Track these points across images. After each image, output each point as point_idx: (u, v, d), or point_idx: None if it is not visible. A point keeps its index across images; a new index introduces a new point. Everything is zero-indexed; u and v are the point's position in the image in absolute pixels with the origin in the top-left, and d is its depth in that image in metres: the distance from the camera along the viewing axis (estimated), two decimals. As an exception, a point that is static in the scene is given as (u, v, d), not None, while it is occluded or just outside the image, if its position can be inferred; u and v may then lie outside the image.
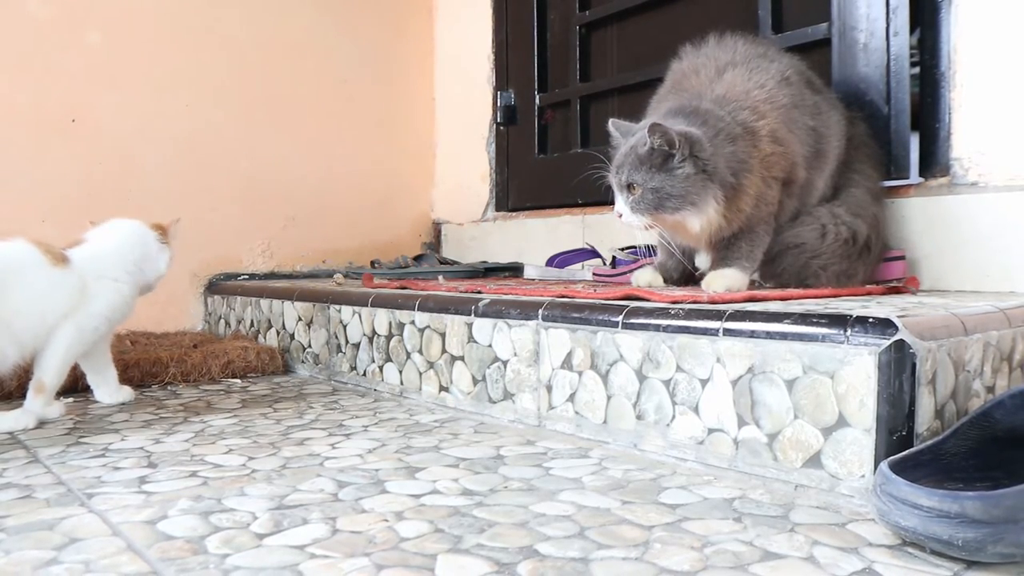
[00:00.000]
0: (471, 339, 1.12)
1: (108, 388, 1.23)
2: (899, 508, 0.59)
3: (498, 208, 2.07)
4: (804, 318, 0.77)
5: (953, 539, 0.57)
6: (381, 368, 1.30)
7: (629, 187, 1.04)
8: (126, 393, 1.24)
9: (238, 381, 1.43)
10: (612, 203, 1.07)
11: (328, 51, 2.05)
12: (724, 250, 1.10)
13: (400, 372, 1.26)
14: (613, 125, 1.12)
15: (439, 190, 2.25)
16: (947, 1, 1.20)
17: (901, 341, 0.70)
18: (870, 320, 0.72)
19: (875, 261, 1.18)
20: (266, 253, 1.97)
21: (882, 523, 0.62)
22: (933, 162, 1.22)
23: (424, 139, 2.24)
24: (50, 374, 1.09)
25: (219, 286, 1.85)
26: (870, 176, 1.21)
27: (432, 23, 2.25)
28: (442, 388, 1.18)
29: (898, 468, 0.62)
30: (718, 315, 0.84)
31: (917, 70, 1.24)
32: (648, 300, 0.97)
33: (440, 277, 1.61)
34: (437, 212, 2.25)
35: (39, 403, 1.10)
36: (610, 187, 1.08)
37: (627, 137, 1.08)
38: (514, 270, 1.75)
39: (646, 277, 1.18)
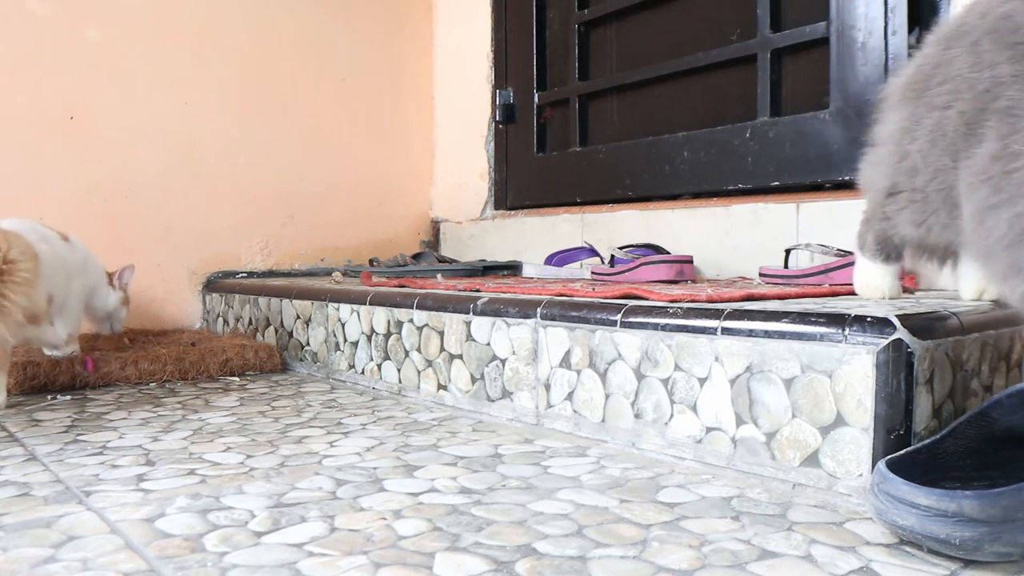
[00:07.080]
0: (469, 337, 1.12)
1: None
2: (896, 507, 0.59)
3: (497, 207, 2.07)
4: (802, 317, 0.77)
5: (950, 538, 0.57)
6: (379, 366, 1.30)
7: None
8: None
9: (236, 379, 1.43)
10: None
11: (327, 49, 2.05)
12: None
13: (398, 370, 1.26)
14: None
15: (438, 188, 2.25)
16: (946, 0, 1.20)
17: (899, 340, 0.71)
18: (868, 319, 0.73)
19: None
20: (264, 251, 1.97)
21: (879, 522, 0.62)
22: (931, 161, 1.22)
23: (423, 137, 2.24)
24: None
25: (217, 284, 1.85)
26: None
27: (431, 21, 2.25)
28: (440, 386, 1.18)
29: (896, 467, 0.62)
30: (716, 314, 0.84)
31: (916, 69, 1.24)
32: (646, 299, 0.97)
33: (439, 275, 1.61)
34: (436, 210, 2.25)
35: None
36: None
37: None
38: (513, 269, 1.75)
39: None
